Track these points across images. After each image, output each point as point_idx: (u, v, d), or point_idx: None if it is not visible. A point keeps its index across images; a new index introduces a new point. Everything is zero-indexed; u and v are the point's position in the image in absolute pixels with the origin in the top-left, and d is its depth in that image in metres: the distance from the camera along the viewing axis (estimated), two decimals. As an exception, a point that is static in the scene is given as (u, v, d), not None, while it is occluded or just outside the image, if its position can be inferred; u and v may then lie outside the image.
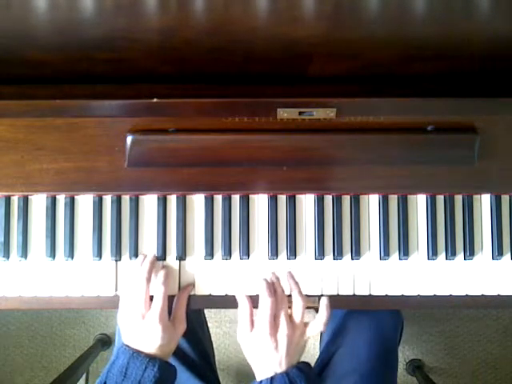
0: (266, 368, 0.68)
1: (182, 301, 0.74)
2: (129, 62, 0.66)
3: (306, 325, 0.71)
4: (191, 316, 0.91)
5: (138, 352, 0.68)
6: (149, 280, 0.71)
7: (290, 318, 0.70)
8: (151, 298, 0.71)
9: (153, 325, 0.69)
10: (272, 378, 0.66)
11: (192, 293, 0.75)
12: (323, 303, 0.72)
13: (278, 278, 0.74)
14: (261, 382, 0.67)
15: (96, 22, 0.59)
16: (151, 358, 0.67)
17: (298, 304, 0.70)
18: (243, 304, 0.72)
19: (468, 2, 0.58)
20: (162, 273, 0.73)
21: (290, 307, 0.71)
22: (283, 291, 0.72)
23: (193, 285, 0.75)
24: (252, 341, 0.70)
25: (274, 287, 0.72)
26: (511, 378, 1.47)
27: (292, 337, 0.69)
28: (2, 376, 1.47)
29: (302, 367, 0.68)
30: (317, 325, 0.71)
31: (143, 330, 0.69)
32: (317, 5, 0.57)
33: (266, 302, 0.70)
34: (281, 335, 0.68)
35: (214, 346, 1.03)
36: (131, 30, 0.60)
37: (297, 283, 0.73)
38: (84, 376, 1.27)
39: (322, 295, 0.75)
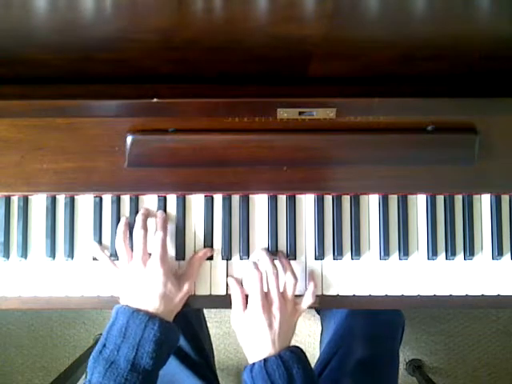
0: (259, 349, 0.68)
1: (195, 260, 0.73)
2: (129, 62, 0.66)
3: (296, 303, 0.72)
4: (191, 316, 0.91)
5: (138, 310, 0.66)
6: (145, 228, 0.71)
7: (282, 295, 0.70)
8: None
9: (154, 269, 0.68)
10: (265, 360, 0.66)
11: (192, 293, 0.75)
12: (309, 275, 0.74)
13: (269, 257, 0.73)
14: (253, 364, 0.67)
15: (96, 21, 0.59)
16: (151, 316, 0.66)
17: (289, 281, 0.71)
18: (234, 287, 0.73)
19: (468, 1, 0.58)
20: (159, 218, 0.73)
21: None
22: (273, 269, 0.71)
23: (211, 250, 0.75)
24: (245, 321, 0.70)
25: (264, 265, 0.72)
26: (511, 378, 1.47)
27: (285, 312, 0.69)
28: (1, 376, 1.47)
29: (294, 349, 0.69)
30: (307, 297, 0.72)
31: (144, 279, 0.68)
32: (317, 5, 0.57)
33: (254, 277, 0.70)
34: (274, 310, 0.69)
35: (214, 346, 1.03)
36: (131, 30, 0.60)
37: (288, 262, 0.73)
38: (84, 376, 1.26)
39: (322, 295, 0.75)
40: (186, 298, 0.73)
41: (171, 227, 0.75)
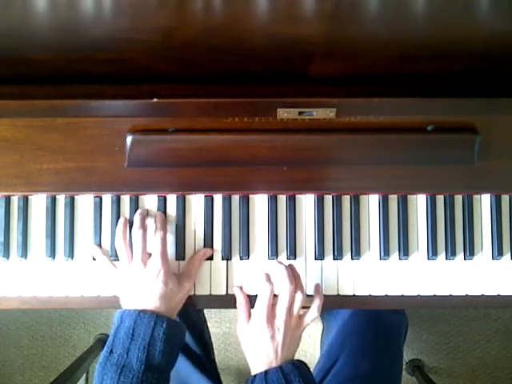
0: (262, 360, 0.68)
1: (196, 259, 0.73)
2: (129, 62, 0.66)
3: (301, 316, 0.71)
4: (194, 315, 0.91)
5: (144, 311, 0.66)
6: (143, 227, 0.71)
7: (288, 309, 0.70)
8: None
9: (155, 268, 0.68)
10: (266, 373, 0.66)
11: (192, 293, 0.75)
12: (316, 289, 0.73)
13: (288, 273, 0.71)
14: (255, 376, 0.67)
15: (96, 21, 0.59)
16: (159, 314, 0.65)
17: (298, 298, 0.70)
18: (240, 297, 0.73)
19: (468, 1, 0.58)
20: (157, 218, 0.73)
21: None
22: (290, 285, 0.70)
23: (211, 250, 0.75)
24: (249, 331, 0.70)
25: (281, 280, 0.71)
26: (511, 378, 1.47)
27: (289, 326, 0.69)
28: (1, 376, 1.47)
29: (296, 363, 0.68)
30: (312, 311, 0.71)
31: (145, 279, 0.68)
32: (317, 5, 0.57)
33: (264, 289, 0.69)
34: (278, 323, 0.68)
35: (214, 346, 1.03)
36: (131, 30, 0.60)
37: (298, 276, 0.72)
38: (84, 376, 1.26)
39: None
40: (187, 297, 0.73)
41: (171, 227, 0.75)
